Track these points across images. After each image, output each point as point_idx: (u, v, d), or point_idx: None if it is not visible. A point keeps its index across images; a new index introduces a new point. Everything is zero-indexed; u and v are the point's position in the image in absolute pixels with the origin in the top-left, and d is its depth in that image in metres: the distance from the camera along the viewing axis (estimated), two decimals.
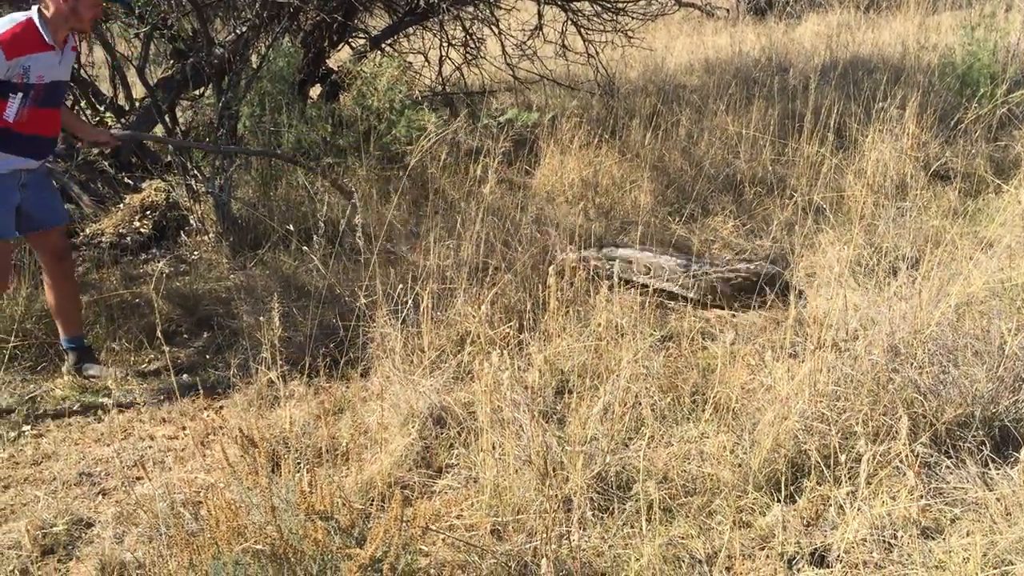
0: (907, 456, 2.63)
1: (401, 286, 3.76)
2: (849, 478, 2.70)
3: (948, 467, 2.71)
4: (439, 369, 3.52)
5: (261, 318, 4.01)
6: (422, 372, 3.43)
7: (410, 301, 3.56)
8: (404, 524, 2.04)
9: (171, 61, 7.21)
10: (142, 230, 5.76)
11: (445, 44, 7.44)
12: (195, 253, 5.52)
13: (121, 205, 5.93)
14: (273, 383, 3.49)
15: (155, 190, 6.02)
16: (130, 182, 6.21)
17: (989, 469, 2.71)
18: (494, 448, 2.93)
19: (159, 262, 5.44)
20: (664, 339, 3.81)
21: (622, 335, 3.57)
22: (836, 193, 4.88)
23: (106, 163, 6.21)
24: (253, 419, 3.32)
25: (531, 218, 5.09)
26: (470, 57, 7.54)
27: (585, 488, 2.74)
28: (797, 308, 3.26)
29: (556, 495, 2.70)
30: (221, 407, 3.69)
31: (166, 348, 4.05)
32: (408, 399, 3.26)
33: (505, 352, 3.33)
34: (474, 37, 7.46)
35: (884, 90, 6.22)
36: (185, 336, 4.43)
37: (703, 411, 3.20)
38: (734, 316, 4.13)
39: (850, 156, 5.69)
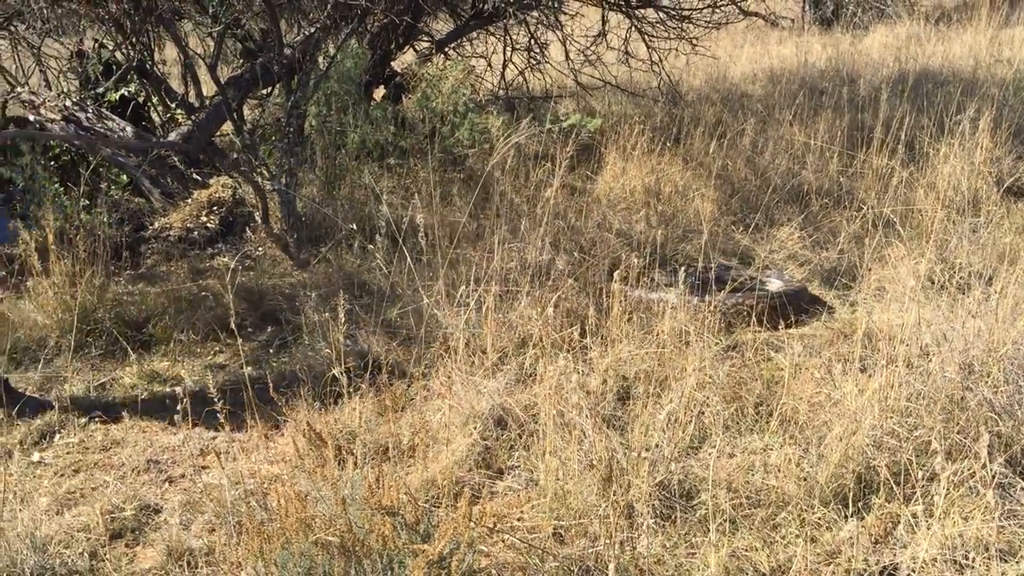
0: (983, 476, 2.56)
1: (463, 287, 3.78)
2: (922, 496, 2.64)
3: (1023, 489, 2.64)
4: (500, 371, 3.53)
5: (326, 315, 4.07)
6: (484, 373, 3.45)
7: (472, 302, 3.57)
8: (471, 523, 2.04)
9: (241, 60, 7.37)
10: (209, 225, 5.87)
11: (509, 49, 7.46)
12: (260, 249, 5.60)
13: (189, 200, 6.06)
14: (337, 379, 3.54)
15: (222, 186, 6.14)
16: (199, 178, 6.34)
17: None
18: (556, 452, 2.92)
19: (225, 256, 5.54)
20: (728, 348, 3.77)
21: (687, 343, 3.55)
22: (905, 207, 4.78)
23: (176, 159, 6.35)
24: (318, 414, 3.35)
25: (594, 223, 5.09)
26: (534, 62, 7.56)
27: (648, 495, 2.72)
28: (865, 322, 3.19)
29: (619, 501, 2.68)
30: (287, 400, 3.74)
31: (233, 341, 4.15)
32: (470, 399, 3.27)
33: (569, 356, 3.33)
34: (538, 42, 7.47)
35: (957, 103, 6.10)
36: (250, 330, 4.50)
37: (767, 423, 3.17)
38: (797, 329, 4.07)
39: (921, 170, 5.58)
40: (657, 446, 2.92)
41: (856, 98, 7.03)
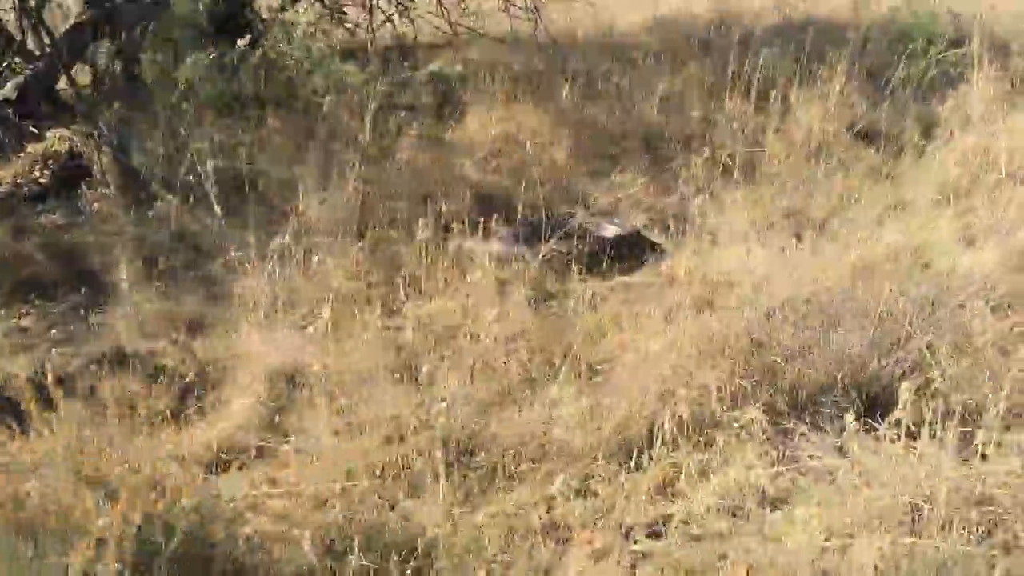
0: (762, 422, 2.49)
1: (278, 239, 3.58)
2: (706, 445, 2.56)
3: (804, 434, 2.57)
4: (309, 325, 3.34)
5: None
6: (288, 328, 3.26)
7: (274, 255, 3.37)
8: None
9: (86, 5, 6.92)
10: (41, 180, 5.51)
11: None
12: (93, 206, 5.27)
13: (22, 154, 5.68)
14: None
15: (59, 139, 5.77)
16: (35, 130, 5.95)
17: (848, 435, 2.56)
18: (346, 410, 2.77)
19: (54, 214, 5.21)
20: (549, 297, 3.64)
21: (501, 294, 3.41)
22: (748, 150, 4.69)
23: (8, 110, 5.94)
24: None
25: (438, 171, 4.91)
26: (401, 7, 7.28)
27: (426, 453, 2.58)
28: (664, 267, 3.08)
29: (396, 460, 2.54)
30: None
31: (43, 302, 3.90)
32: (264, 357, 3.09)
33: (377, 310, 3.17)
34: None
35: (823, 50, 6.04)
36: (63, 290, 4.20)
37: (575, 375, 3.05)
38: (629, 276, 3.96)
39: (781, 116, 5.51)
40: (443, 400, 2.78)
41: (729, 47, 6.92)
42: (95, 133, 5.34)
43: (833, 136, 5.17)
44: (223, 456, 2.73)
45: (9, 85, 6.08)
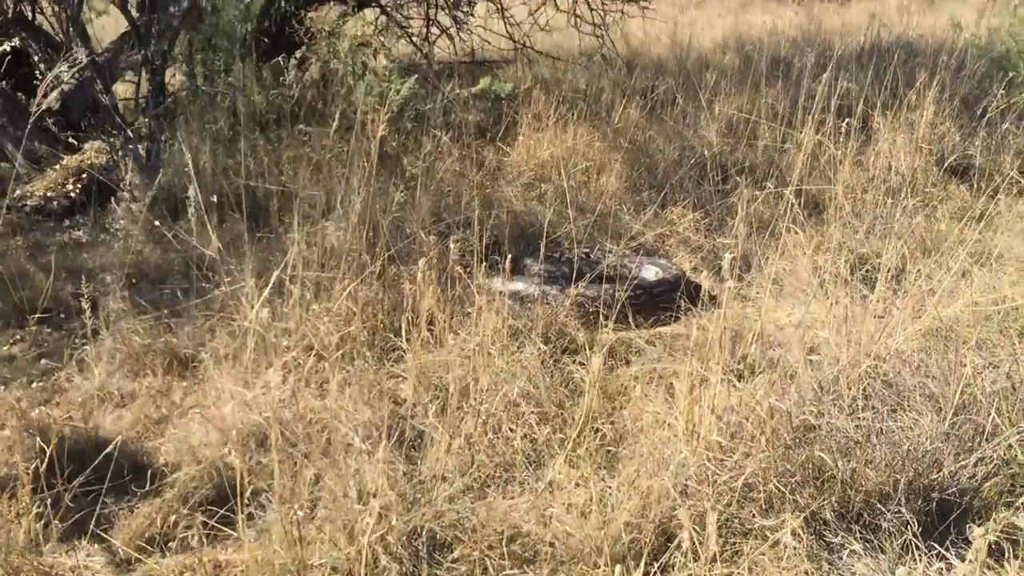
0: (802, 533, 2.00)
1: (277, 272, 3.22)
2: (733, 556, 2.09)
3: (856, 552, 2.06)
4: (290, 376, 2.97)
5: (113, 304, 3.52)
6: (263, 382, 2.88)
7: (259, 295, 3.01)
8: None
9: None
10: (72, 194, 5.32)
11: (433, 6, 6.83)
12: (119, 223, 5.05)
13: (57, 167, 5.51)
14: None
15: (96, 152, 5.58)
16: (75, 142, 5.78)
17: (912, 557, 2.06)
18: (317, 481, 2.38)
19: (79, 230, 5.01)
20: (571, 351, 3.20)
21: (519, 347, 2.99)
22: (818, 187, 4.16)
23: (50, 120, 5.78)
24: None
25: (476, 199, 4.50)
26: (461, 22, 6.94)
27: (396, 546, 2.16)
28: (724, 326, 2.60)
29: (354, 555, 2.13)
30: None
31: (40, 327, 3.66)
32: (236, 412, 2.72)
33: (370, 358, 2.78)
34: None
35: (914, 76, 5.46)
36: (62, 315, 3.95)
37: (590, 450, 2.60)
38: (670, 327, 3.49)
39: (861, 147, 4.96)
40: (444, 478, 2.36)
41: (810, 68, 6.37)
42: (126, 147, 5.13)
43: (919, 171, 4.60)
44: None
45: (53, 95, 5.92)
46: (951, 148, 4.83)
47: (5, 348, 3.69)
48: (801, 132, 4.92)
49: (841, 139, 4.82)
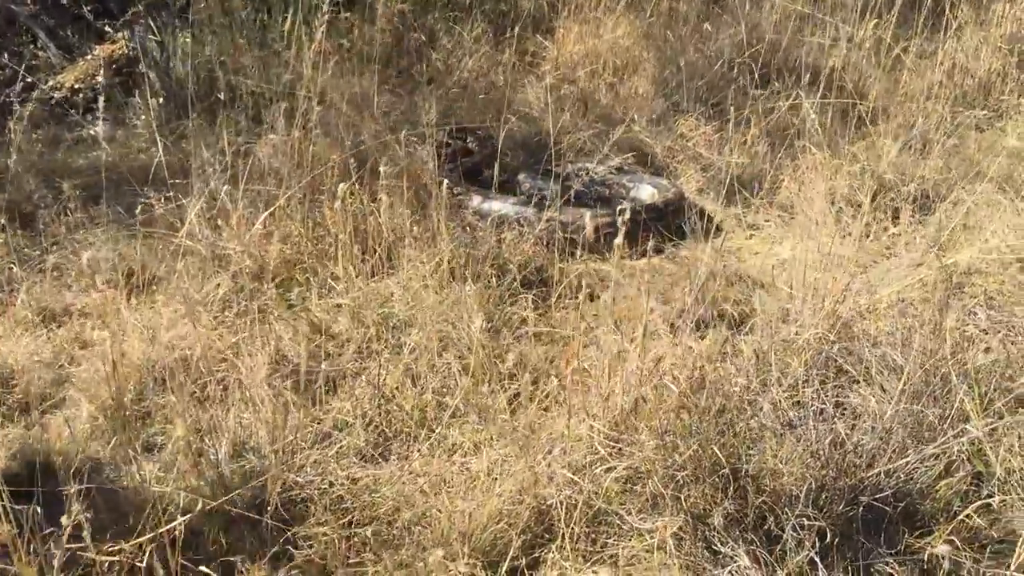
0: (686, 538, 1.72)
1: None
2: (608, 558, 1.83)
3: (743, 569, 1.75)
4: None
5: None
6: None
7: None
8: None
9: None
10: (97, 87, 5.24)
11: None
12: (139, 118, 4.94)
13: (89, 56, 5.42)
14: None
15: (128, 42, 5.46)
16: (110, 31, 5.67)
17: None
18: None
19: (98, 125, 4.92)
20: (535, 284, 2.90)
21: (465, 278, 2.73)
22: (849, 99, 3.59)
23: (86, 7, 5.67)
24: None
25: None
26: None
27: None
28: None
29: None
30: None
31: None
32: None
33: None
34: None
35: None
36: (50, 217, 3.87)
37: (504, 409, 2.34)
38: (654, 258, 3.13)
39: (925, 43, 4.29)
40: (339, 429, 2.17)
41: None
42: (136, 38, 4.99)
43: (997, 73, 3.97)
44: None
45: None
46: None
47: None
48: (863, 27, 4.29)
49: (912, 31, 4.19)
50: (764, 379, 2.10)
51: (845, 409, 2.02)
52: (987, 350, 2.16)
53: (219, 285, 2.73)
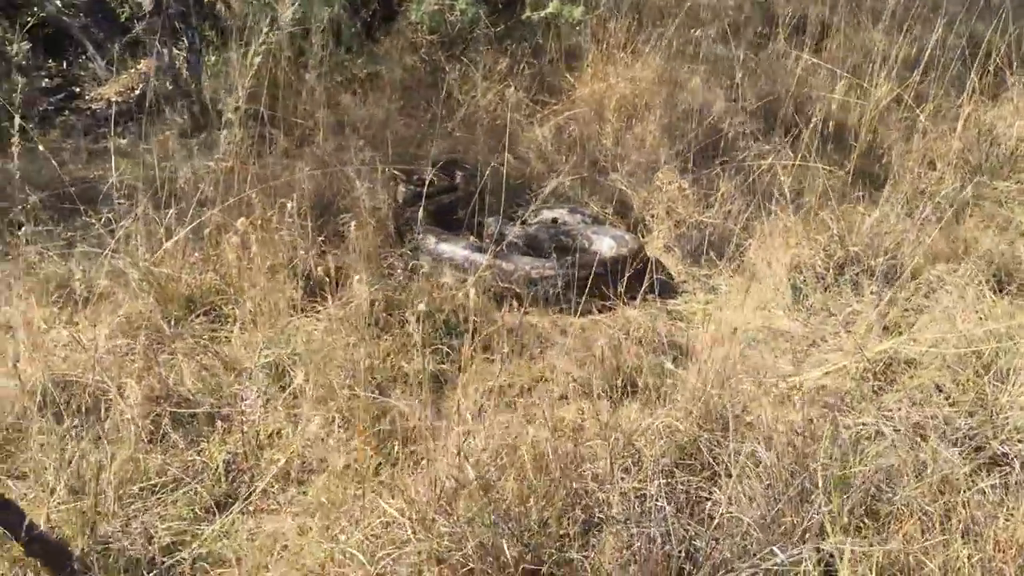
0: None
1: None
2: None
3: None
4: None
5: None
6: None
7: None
8: None
9: None
10: (131, 100, 5.40)
11: None
12: (164, 132, 5.05)
13: (132, 70, 5.61)
14: None
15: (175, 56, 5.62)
16: (158, 46, 5.84)
17: None
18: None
19: (124, 138, 5.06)
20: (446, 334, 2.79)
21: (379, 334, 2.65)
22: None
23: (139, 24, 5.86)
24: None
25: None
26: None
27: None
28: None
29: None
30: None
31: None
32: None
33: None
34: None
35: None
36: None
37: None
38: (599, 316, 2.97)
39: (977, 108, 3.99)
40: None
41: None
42: (161, 57, 5.13)
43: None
44: None
45: None
46: None
47: None
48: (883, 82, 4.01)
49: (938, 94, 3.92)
50: (625, 464, 1.93)
51: (697, 504, 1.84)
52: (877, 455, 1.93)
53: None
